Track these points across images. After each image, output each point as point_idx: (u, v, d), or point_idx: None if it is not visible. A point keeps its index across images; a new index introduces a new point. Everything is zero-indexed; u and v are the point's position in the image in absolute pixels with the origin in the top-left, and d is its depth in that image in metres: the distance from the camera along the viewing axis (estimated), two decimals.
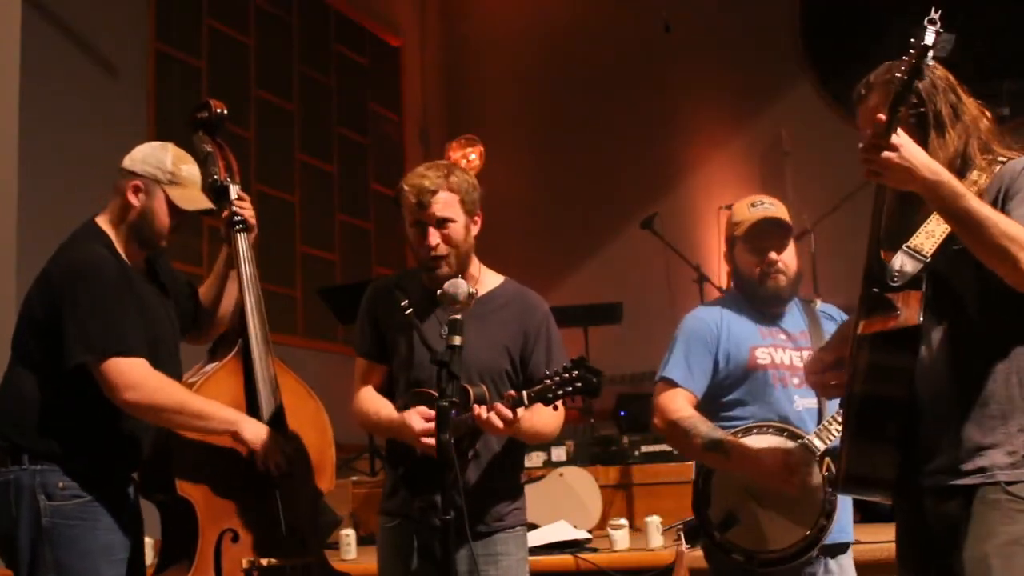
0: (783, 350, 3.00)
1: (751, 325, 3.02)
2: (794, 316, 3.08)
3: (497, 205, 7.94)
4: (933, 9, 2.11)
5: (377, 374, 2.95)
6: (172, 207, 2.91)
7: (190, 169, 2.96)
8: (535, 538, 4.43)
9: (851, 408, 2.31)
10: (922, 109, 2.28)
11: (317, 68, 8.60)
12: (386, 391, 2.94)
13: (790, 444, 2.85)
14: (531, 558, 3.02)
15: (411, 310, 2.83)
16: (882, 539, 4.15)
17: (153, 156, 2.93)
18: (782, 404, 2.94)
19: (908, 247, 2.27)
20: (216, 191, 3.08)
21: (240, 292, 3.03)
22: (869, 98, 2.34)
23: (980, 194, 2.22)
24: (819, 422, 2.91)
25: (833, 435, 2.85)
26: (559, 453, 6.18)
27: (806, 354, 2.96)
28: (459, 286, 2.48)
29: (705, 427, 2.87)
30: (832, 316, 3.16)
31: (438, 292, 2.52)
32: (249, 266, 3.04)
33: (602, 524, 5.25)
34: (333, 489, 5.87)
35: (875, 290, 2.26)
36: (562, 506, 5.37)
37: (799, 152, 8.59)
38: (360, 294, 3.06)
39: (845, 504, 2.92)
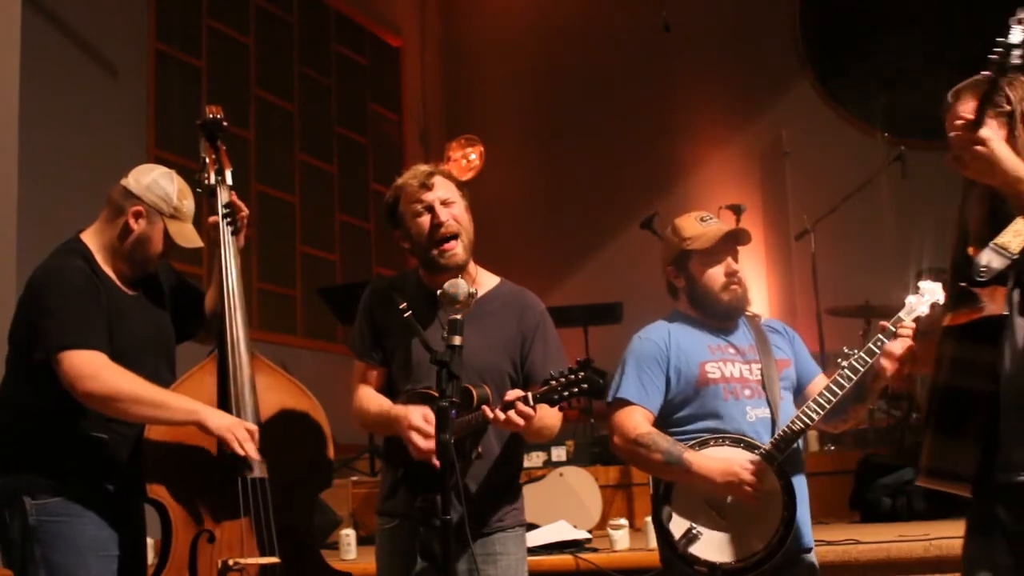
0: (732, 363, 3.03)
1: (699, 341, 3.06)
2: (742, 331, 3.12)
3: (497, 205, 7.99)
4: (1020, 8, 2.16)
5: (376, 376, 2.96)
6: (167, 238, 2.98)
7: (190, 204, 3.03)
8: (535, 538, 4.42)
9: (934, 400, 2.34)
10: (1008, 107, 2.34)
11: (317, 68, 8.60)
12: (385, 393, 2.94)
13: (748, 454, 2.89)
14: (531, 558, 3.02)
15: (410, 312, 2.83)
16: (882, 539, 4.16)
17: (159, 186, 2.98)
18: (735, 417, 2.97)
19: (995, 244, 2.31)
20: (207, 194, 3.15)
21: (221, 292, 3.06)
22: (957, 105, 2.38)
23: None
24: (773, 432, 2.95)
25: (789, 443, 2.90)
26: (559, 453, 6.18)
27: (755, 367, 3.03)
28: (459, 286, 2.48)
29: (665, 442, 2.91)
30: (777, 329, 3.20)
31: (438, 292, 2.51)
32: (233, 268, 3.07)
33: (602, 524, 5.25)
34: (333, 488, 5.89)
35: (962, 284, 2.30)
36: (562, 506, 5.37)
37: (799, 152, 8.58)
38: (360, 294, 3.06)
39: (803, 512, 2.95)
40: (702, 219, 3.11)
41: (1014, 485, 2.27)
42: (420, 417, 2.68)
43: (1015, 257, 2.29)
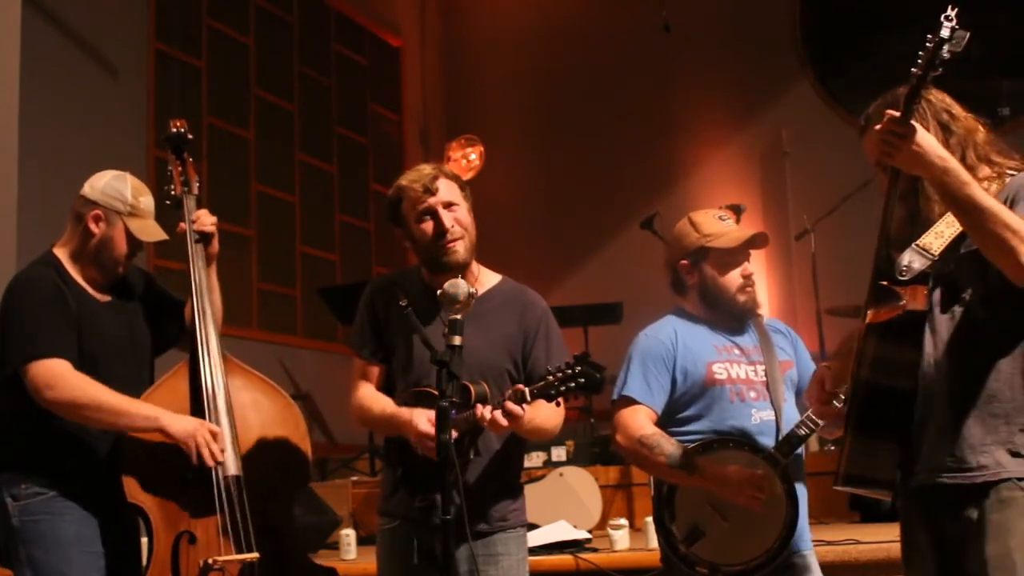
0: (738, 364, 3.02)
1: (706, 341, 3.04)
2: (747, 331, 3.11)
3: (497, 205, 7.99)
4: (950, 6, 2.19)
5: (376, 373, 2.95)
6: (130, 237, 3.06)
7: (147, 201, 3.12)
8: (535, 538, 4.43)
9: (855, 398, 2.34)
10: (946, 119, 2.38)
11: (317, 68, 8.60)
12: (384, 390, 2.94)
13: (753, 458, 2.89)
14: (531, 558, 3.02)
15: (410, 308, 2.84)
16: (882, 539, 4.16)
17: (113, 188, 3.07)
18: (740, 418, 2.96)
19: (917, 245, 2.34)
20: (174, 206, 3.23)
21: (192, 300, 3.10)
22: (870, 127, 2.40)
23: None
24: (777, 435, 2.95)
25: (794, 447, 2.91)
26: (559, 453, 6.18)
27: (760, 368, 3.02)
28: (459, 286, 2.48)
29: (669, 445, 2.90)
30: (780, 330, 3.20)
31: (438, 292, 2.51)
32: (203, 274, 3.12)
33: (602, 524, 5.26)
34: (333, 488, 5.89)
35: (883, 283, 2.30)
36: (562, 506, 5.38)
37: (799, 152, 8.58)
38: (360, 294, 3.06)
39: (801, 515, 2.95)
40: (720, 217, 3.08)
41: (936, 486, 2.29)
42: (427, 423, 2.67)
43: (935, 258, 2.31)
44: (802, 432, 2.90)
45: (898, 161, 2.24)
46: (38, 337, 2.88)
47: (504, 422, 2.60)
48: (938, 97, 2.40)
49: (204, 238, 3.16)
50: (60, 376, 2.85)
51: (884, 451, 2.32)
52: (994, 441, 2.23)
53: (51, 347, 2.87)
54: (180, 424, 2.88)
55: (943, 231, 2.33)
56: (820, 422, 2.89)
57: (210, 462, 2.87)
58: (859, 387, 2.33)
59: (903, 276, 2.31)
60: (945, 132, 2.35)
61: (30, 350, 2.86)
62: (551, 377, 2.58)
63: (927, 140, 2.21)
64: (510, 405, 2.59)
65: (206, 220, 3.17)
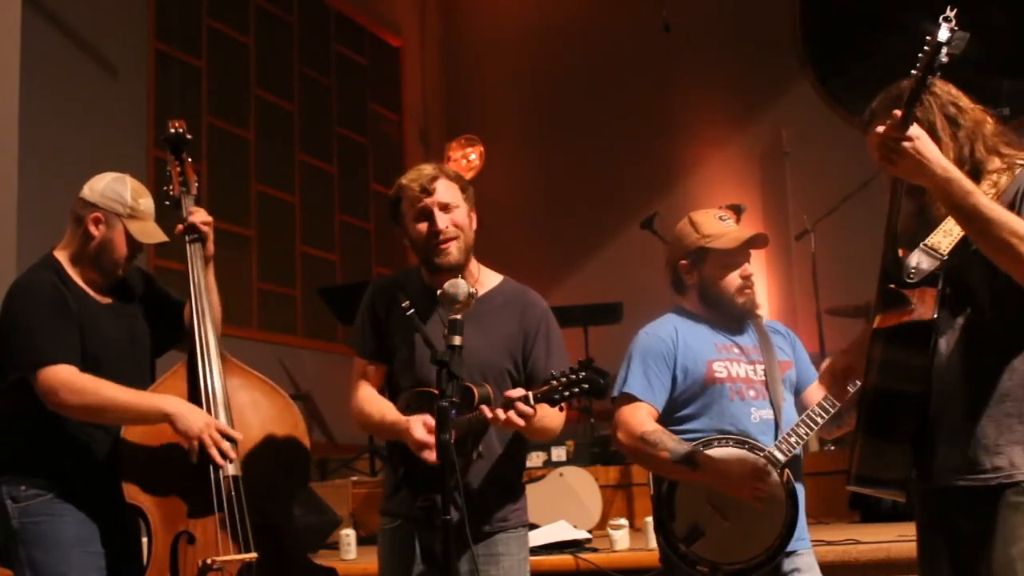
0: (738, 363, 3.02)
1: (706, 339, 3.04)
2: (746, 331, 3.11)
3: (497, 205, 8.00)
4: (949, 7, 2.16)
5: (376, 374, 2.96)
6: (130, 239, 3.06)
7: (147, 203, 3.12)
8: (535, 538, 4.43)
9: (863, 402, 2.32)
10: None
11: (317, 68, 8.60)
12: (385, 390, 2.94)
13: (755, 457, 2.89)
14: (531, 558, 3.03)
15: (412, 309, 2.84)
16: (882, 539, 4.16)
17: (112, 190, 3.07)
18: (740, 417, 2.96)
19: (925, 245, 2.31)
20: (173, 206, 3.24)
21: (191, 300, 3.11)
22: (874, 125, 2.37)
23: (999, 194, 2.26)
24: (776, 434, 2.95)
25: (793, 446, 2.91)
26: (559, 453, 6.18)
27: (759, 367, 3.02)
28: (459, 286, 2.48)
29: (672, 441, 2.90)
30: (779, 331, 3.20)
31: (438, 292, 2.52)
32: (201, 275, 3.12)
33: (602, 524, 5.26)
34: (333, 488, 5.89)
35: (891, 286, 2.29)
36: (562, 506, 5.37)
37: (799, 152, 8.58)
38: (360, 294, 3.07)
39: (800, 514, 2.95)
40: (721, 218, 3.09)
41: (952, 489, 2.28)
42: (423, 431, 2.67)
43: (944, 258, 2.29)
44: (802, 431, 2.90)
45: (900, 170, 2.21)
46: (42, 343, 2.88)
47: (521, 422, 2.61)
48: (944, 89, 2.35)
49: (199, 236, 3.15)
50: (68, 381, 2.85)
51: (894, 452, 2.30)
52: (1009, 441, 2.22)
53: (56, 352, 2.88)
54: (187, 422, 2.87)
55: (951, 229, 2.30)
56: (819, 422, 2.89)
57: (219, 460, 2.87)
58: (868, 391, 2.31)
59: (911, 279, 2.28)
60: (953, 125, 2.31)
61: (36, 357, 2.87)
62: (555, 382, 2.59)
63: (929, 149, 2.18)
64: (521, 406, 2.60)
65: (198, 217, 3.17)
